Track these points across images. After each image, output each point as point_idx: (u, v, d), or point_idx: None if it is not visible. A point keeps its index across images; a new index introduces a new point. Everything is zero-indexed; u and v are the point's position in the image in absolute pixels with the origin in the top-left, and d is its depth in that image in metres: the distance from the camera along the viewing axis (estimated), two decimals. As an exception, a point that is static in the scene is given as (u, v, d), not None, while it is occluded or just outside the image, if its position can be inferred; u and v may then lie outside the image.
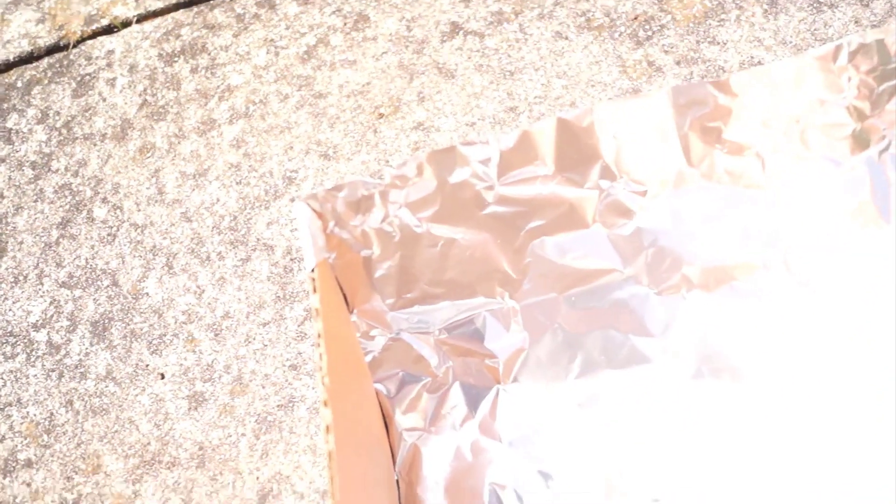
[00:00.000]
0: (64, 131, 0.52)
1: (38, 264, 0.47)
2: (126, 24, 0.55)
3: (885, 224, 0.35)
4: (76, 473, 0.41)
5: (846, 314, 0.35)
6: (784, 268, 0.35)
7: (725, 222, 0.36)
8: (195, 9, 0.54)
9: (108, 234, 0.48)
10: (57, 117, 0.53)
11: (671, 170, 0.36)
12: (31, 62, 0.55)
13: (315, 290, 0.32)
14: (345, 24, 0.51)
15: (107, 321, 0.45)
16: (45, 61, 0.55)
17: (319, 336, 0.31)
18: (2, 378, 0.44)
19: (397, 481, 0.36)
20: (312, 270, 0.32)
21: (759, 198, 0.36)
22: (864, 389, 0.34)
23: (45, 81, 0.54)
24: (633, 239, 0.36)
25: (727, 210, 0.36)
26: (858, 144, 0.35)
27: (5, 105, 0.54)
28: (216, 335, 0.43)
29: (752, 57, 0.44)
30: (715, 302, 0.36)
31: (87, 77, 0.53)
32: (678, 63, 0.45)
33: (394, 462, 0.36)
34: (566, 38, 0.47)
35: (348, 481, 0.29)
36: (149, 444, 0.41)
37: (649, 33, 0.46)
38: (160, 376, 0.43)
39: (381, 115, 0.47)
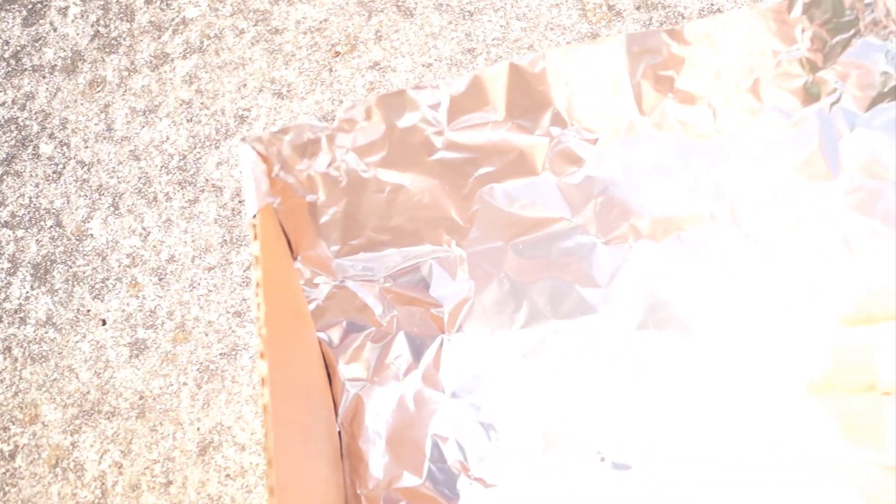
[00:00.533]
0: (12, 62, 0.50)
1: (-23, 203, 0.46)
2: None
3: (833, 177, 0.34)
4: (13, 424, 0.40)
5: (792, 266, 0.34)
6: (731, 219, 0.35)
7: (675, 172, 0.35)
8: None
9: (54, 172, 0.46)
10: (5, 47, 0.50)
11: (623, 118, 0.35)
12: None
13: (256, 238, 0.31)
14: (299, -42, 0.49)
15: (49, 263, 0.44)
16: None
17: (258, 286, 0.30)
18: (-63, 320, 0.43)
19: (339, 432, 0.35)
20: (254, 217, 0.31)
21: (709, 148, 0.35)
22: (806, 342, 0.33)
23: (-11, 11, 0.52)
24: (582, 187, 0.35)
25: (677, 160, 0.35)
26: (809, 97, 0.35)
27: (-57, 36, 0.51)
28: (160, 280, 0.42)
29: (711, 4, 0.43)
30: (662, 252, 0.35)
31: (39, 5, 0.51)
32: (638, 8, 0.43)
33: (336, 413, 0.36)
34: (526, -21, 0.45)
35: (284, 435, 0.28)
36: (88, 393, 0.40)
37: (611, -24, 0.44)
38: (101, 322, 0.41)
39: (338, 54, 0.46)
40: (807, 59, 0.34)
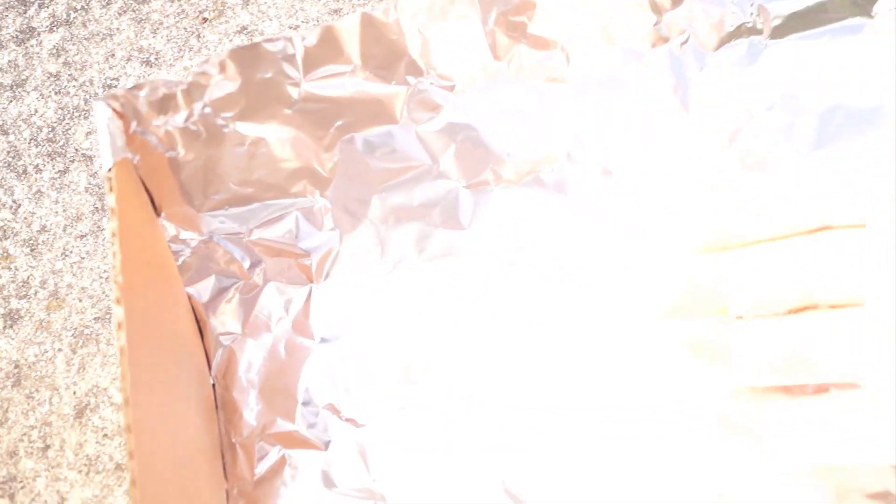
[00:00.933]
0: None
1: None
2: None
3: (686, 114, 0.36)
4: None
5: (648, 202, 0.36)
6: (588, 159, 0.36)
7: (532, 116, 0.36)
8: None
9: (-82, 151, 0.45)
10: None
11: (477, 65, 0.36)
12: None
13: (111, 190, 0.31)
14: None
15: (-88, 239, 0.43)
16: None
17: (114, 235, 0.30)
18: None
19: (213, 385, 0.36)
20: (109, 170, 0.31)
21: (564, 91, 0.36)
22: (663, 271, 0.35)
23: None
24: (441, 134, 0.36)
25: (534, 104, 0.36)
26: (660, 38, 0.36)
27: None
28: (32, 250, 0.42)
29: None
30: (522, 194, 0.36)
31: None
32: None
33: (210, 366, 0.36)
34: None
35: (146, 379, 0.28)
36: (-41, 364, 0.39)
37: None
38: (-29, 294, 0.41)
39: (205, 20, 0.46)
40: (655, 1, 0.35)
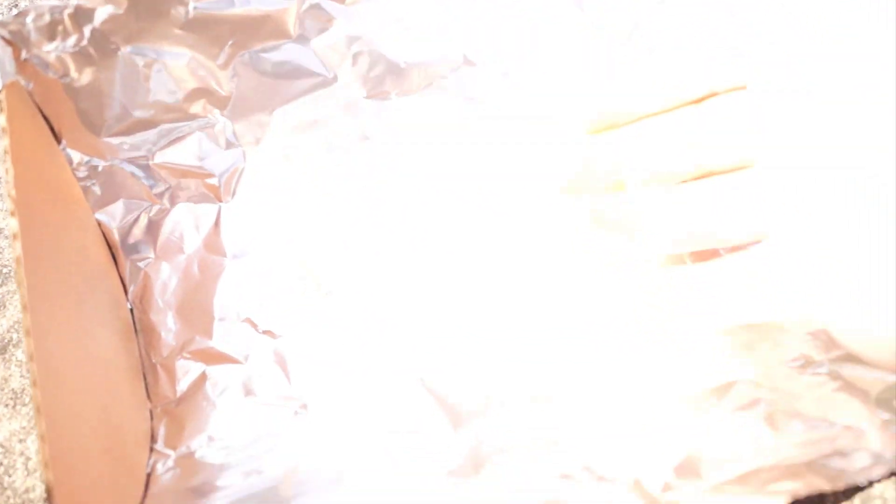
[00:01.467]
0: None
1: None
2: None
3: (581, 13, 0.37)
4: None
5: (544, 91, 0.36)
6: (487, 63, 0.36)
7: (426, 23, 0.37)
8: None
9: None
10: None
11: (367, -26, 0.36)
12: None
13: (2, 111, 0.31)
14: None
15: None
16: None
17: (6, 153, 0.30)
18: None
19: (131, 310, 0.36)
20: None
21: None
22: (558, 152, 0.36)
23: None
24: (337, 46, 0.37)
25: (427, 10, 0.37)
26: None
27: None
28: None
29: None
30: (423, 102, 0.37)
31: None
32: None
33: (126, 291, 0.37)
34: None
35: (48, 291, 0.29)
36: None
37: None
38: None
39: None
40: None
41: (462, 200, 0.36)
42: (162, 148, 0.37)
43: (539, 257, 0.35)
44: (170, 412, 0.36)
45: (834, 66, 0.22)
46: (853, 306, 0.21)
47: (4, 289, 0.40)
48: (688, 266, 0.29)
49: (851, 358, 0.31)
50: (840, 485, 0.26)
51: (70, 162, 0.36)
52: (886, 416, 0.28)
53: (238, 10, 0.36)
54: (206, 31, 0.36)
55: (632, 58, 0.37)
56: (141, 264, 0.37)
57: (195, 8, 0.35)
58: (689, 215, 0.27)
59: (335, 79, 0.37)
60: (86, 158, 0.36)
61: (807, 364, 0.32)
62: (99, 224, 0.37)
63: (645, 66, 0.31)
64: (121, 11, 0.35)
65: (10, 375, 0.38)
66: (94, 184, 0.36)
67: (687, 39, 0.37)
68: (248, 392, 0.35)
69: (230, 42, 0.36)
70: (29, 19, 0.34)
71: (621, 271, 0.34)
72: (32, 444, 0.36)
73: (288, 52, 0.37)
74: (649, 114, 0.29)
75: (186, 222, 0.37)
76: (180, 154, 0.37)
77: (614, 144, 0.29)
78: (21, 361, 0.38)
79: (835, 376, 0.31)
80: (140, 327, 0.37)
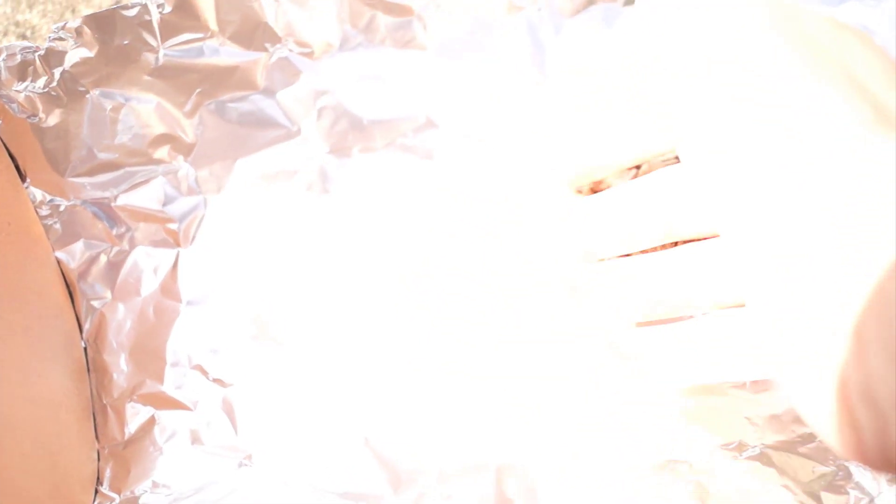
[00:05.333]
0: None
1: None
2: None
3: (543, 78, 0.37)
4: None
5: (508, 162, 0.37)
6: (449, 125, 0.37)
7: (391, 82, 0.37)
8: None
9: None
10: None
11: (335, 32, 0.37)
12: None
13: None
14: None
15: None
16: None
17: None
18: None
19: (85, 349, 0.37)
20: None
21: (423, 58, 0.37)
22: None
23: None
24: (302, 100, 0.37)
25: (393, 70, 0.37)
26: (513, 7, 0.37)
27: None
28: None
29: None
30: (385, 160, 0.37)
31: None
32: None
33: (81, 330, 0.37)
34: None
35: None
36: None
37: None
38: None
39: (81, -10, 0.46)
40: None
41: (420, 260, 0.36)
42: (125, 191, 0.37)
43: (490, 321, 0.36)
44: (117, 454, 0.36)
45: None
46: (815, 373, 0.21)
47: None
48: (658, 326, 0.29)
49: (784, 446, 0.32)
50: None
51: (33, 200, 0.37)
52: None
53: (207, 59, 0.36)
54: (175, 78, 0.36)
55: (594, 119, 0.38)
56: (97, 304, 0.37)
57: (165, 55, 0.36)
58: (659, 285, 0.27)
59: (299, 132, 0.37)
60: (49, 197, 0.37)
61: (740, 448, 0.32)
62: (58, 262, 0.37)
63: (609, 125, 0.31)
64: (91, 55, 0.35)
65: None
66: (55, 222, 0.37)
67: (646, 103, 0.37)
68: (195, 440, 0.36)
69: (197, 90, 0.37)
70: (0, 59, 0.34)
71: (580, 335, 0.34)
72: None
73: (254, 104, 0.37)
74: (617, 175, 0.29)
75: (145, 265, 0.37)
76: (142, 198, 0.37)
77: (581, 211, 0.29)
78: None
79: (767, 462, 0.31)
80: (92, 367, 0.37)
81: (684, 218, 0.26)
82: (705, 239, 0.26)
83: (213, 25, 0.36)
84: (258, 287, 0.37)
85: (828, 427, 0.20)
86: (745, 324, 0.25)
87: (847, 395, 0.20)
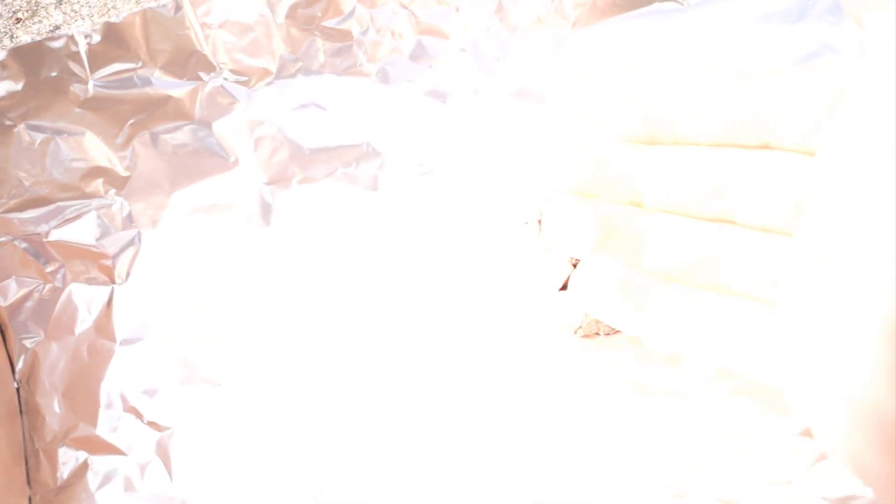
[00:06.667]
0: None
1: None
2: None
3: (490, 101, 0.36)
4: None
5: (459, 194, 0.35)
6: (390, 153, 0.36)
7: (332, 109, 0.36)
8: None
9: None
10: None
11: (272, 59, 0.35)
12: None
13: None
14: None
15: None
16: None
17: None
18: None
19: (18, 389, 0.35)
20: None
21: (364, 84, 0.36)
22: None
23: None
24: (239, 130, 0.36)
25: (333, 97, 0.36)
26: (458, 27, 0.36)
27: None
28: None
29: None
30: (324, 190, 0.36)
31: None
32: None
33: (13, 370, 0.35)
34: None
35: None
36: None
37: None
38: None
39: (19, 20, 0.45)
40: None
41: (364, 294, 0.35)
42: (56, 226, 0.36)
43: (441, 352, 0.34)
44: (49, 501, 0.34)
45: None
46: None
47: None
48: (678, 286, 0.27)
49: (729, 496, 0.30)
50: None
51: (-39, 238, 0.35)
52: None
53: (139, 90, 0.35)
54: (106, 110, 0.35)
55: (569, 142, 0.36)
56: (29, 343, 0.36)
57: (95, 87, 0.35)
58: (705, 252, 0.25)
59: (236, 162, 0.36)
60: (-23, 235, 0.35)
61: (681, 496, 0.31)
62: (-11, 301, 0.36)
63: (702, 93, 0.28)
64: (19, 88, 0.34)
65: None
66: (-16, 260, 0.35)
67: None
68: (129, 486, 0.34)
69: (130, 122, 0.35)
70: (-79, 95, 0.33)
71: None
72: None
73: (189, 134, 0.36)
74: (695, 142, 0.26)
75: (78, 303, 0.36)
76: (75, 233, 0.36)
77: (640, 157, 0.26)
78: None
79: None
80: (25, 409, 0.36)
81: (752, 205, 0.24)
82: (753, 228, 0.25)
83: (143, 55, 0.34)
84: (195, 325, 0.35)
85: (840, 446, 0.19)
86: (766, 320, 0.24)
87: (860, 415, 0.18)
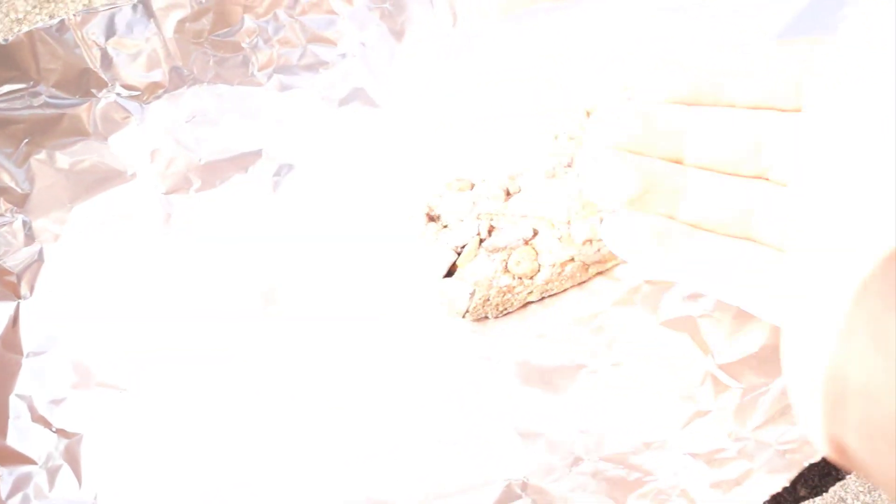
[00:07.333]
0: None
1: None
2: None
3: (375, 109, 0.37)
4: None
5: (352, 193, 0.37)
6: (287, 157, 0.38)
7: (225, 118, 0.37)
8: None
9: None
10: None
11: (162, 72, 0.37)
12: None
13: None
14: None
15: None
16: None
17: None
18: None
19: (-71, 408, 0.36)
20: None
21: (255, 93, 0.37)
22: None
23: None
24: (134, 143, 0.37)
25: (226, 107, 0.37)
26: (346, 33, 0.37)
27: None
28: None
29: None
30: (221, 196, 0.37)
31: None
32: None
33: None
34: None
35: None
36: None
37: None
38: None
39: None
40: None
41: (266, 298, 0.36)
42: (-43, 246, 0.37)
43: (344, 358, 0.35)
44: (-40, 514, 0.35)
45: None
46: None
47: None
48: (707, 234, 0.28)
49: (615, 458, 0.32)
50: None
51: None
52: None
53: (32, 109, 0.36)
54: (1, 130, 0.36)
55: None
56: (-63, 365, 0.36)
57: (-11, 109, 0.36)
58: (739, 208, 0.27)
59: (134, 175, 0.37)
60: None
61: (575, 462, 0.32)
62: None
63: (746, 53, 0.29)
64: None
65: None
66: None
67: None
68: (38, 494, 0.35)
69: (25, 140, 0.36)
70: None
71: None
72: None
73: (85, 150, 0.37)
74: (735, 104, 0.28)
75: (-15, 320, 0.36)
76: (-23, 252, 0.37)
77: (685, 116, 0.28)
78: None
79: (597, 476, 0.31)
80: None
81: (785, 161, 0.26)
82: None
83: (34, 74, 0.35)
84: (100, 333, 0.36)
85: (813, 412, 0.20)
86: (773, 262, 0.25)
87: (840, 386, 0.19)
